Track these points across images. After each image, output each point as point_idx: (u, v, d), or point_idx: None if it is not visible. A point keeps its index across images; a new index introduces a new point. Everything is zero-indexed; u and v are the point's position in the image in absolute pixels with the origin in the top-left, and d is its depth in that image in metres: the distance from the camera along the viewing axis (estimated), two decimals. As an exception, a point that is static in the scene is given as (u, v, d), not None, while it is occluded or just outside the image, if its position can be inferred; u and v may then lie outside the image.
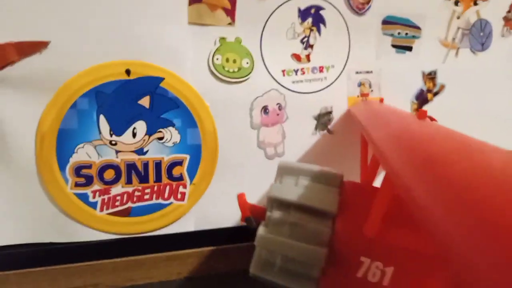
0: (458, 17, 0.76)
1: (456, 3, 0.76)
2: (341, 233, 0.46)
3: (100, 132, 0.63)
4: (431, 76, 0.77)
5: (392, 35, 0.74)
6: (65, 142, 0.62)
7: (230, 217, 0.71)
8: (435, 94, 0.78)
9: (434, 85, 0.78)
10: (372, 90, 0.75)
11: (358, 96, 0.74)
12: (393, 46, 0.75)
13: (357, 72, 0.74)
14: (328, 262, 0.45)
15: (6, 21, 0.58)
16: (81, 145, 0.63)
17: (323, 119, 0.73)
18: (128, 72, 0.63)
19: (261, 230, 0.48)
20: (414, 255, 0.43)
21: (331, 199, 0.47)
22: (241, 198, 0.54)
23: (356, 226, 0.45)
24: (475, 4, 0.77)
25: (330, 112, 0.73)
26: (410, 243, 0.43)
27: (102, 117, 0.63)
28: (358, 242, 0.45)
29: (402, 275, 0.44)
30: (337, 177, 0.49)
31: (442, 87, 0.78)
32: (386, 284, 0.44)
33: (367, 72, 0.74)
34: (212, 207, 0.70)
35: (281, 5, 0.68)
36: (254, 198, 0.72)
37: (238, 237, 0.71)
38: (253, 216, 0.54)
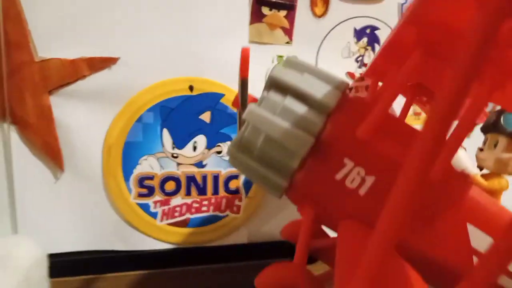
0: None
1: None
2: (333, 128, 0.42)
3: (163, 145, 0.64)
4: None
5: (445, 55, 0.73)
6: (130, 154, 0.63)
7: (283, 231, 0.71)
8: (488, 114, 0.77)
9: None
10: (426, 106, 0.74)
11: (413, 116, 0.73)
12: (447, 66, 0.74)
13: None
14: (309, 155, 0.42)
15: (80, 38, 0.60)
16: (145, 157, 0.64)
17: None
18: (191, 88, 0.64)
19: (252, 106, 0.44)
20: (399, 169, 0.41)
21: (331, 95, 0.43)
22: (245, 52, 0.47)
23: (350, 126, 0.42)
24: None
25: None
26: (399, 156, 0.39)
27: (165, 131, 0.64)
28: (347, 142, 0.42)
29: (381, 187, 0.40)
30: (342, 83, 0.45)
31: (494, 108, 0.77)
32: (362, 194, 0.41)
33: (420, 91, 0.74)
34: (265, 221, 0.70)
35: (337, 25, 0.68)
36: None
37: (289, 251, 0.71)
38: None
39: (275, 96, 0.44)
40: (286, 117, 0.42)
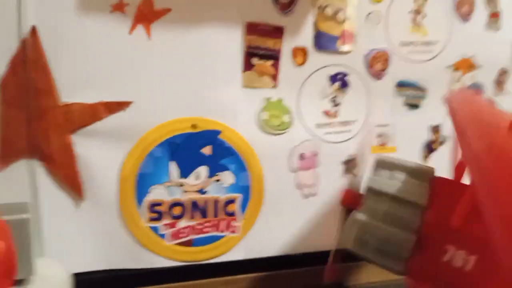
0: (458, 81, 0.81)
1: (455, 70, 0.81)
2: (430, 223, 0.47)
3: (170, 175, 0.67)
4: (436, 129, 0.81)
5: (404, 95, 0.79)
6: (142, 184, 0.65)
7: (274, 247, 0.74)
8: (440, 143, 0.82)
9: (439, 136, 0.82)
10: (388, 141, 0.79)
11: (378, 145, 0.78)
12: (405, 104, 0.79)
13: (376, 126, 0.78)
14: (416, 247, 0.46)
15: (98, 84, 0.62)
16: (155, 186, 0.66)
17: (349, 165, 0.77)
18: (194, 126, 0.67)
19: (359, 216, 0.50)
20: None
21: (421, 193, 0.48)
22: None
23: (443, 217, 0.46)
24: (471, 70, 0.82)
25: (355, 159, 0.77)
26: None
27: (172, 163, 0.67)
28: (444, 232, 0.45)
29: (484, 262, 0.44)
30: (428, 173, 0.50)
31: (445, 138, 0.82)
32: (468, 269, 0.44)
33: (384, 125, 0.78)
34: (259, 239, 0.72)
35: (314, 71, 0.73)
36: (292, 229, 0.74)
37: (281, 265, 0.74)
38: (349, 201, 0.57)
39: (375, 203, 0.50)
40: (388, 220, 0.48)
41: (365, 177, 0.56)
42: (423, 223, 0.47)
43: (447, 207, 0.46)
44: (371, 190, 0.51)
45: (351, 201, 0.57)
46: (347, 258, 0.72)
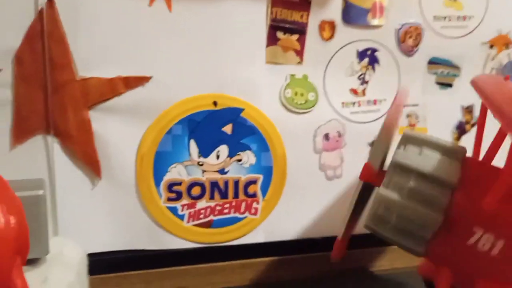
0: (493, 59, 0.76)
1: (491, 47, 0.75)
2: (459, 203, 0.43)
3: (190, 154, 0.64)
4: (469, 110, 0.77)
5: (435, 73, 0.74)
6: (160, 162, 0.63)
7: (295, 230, 0.70)
8: (473, 125, 0.77)
9: (472, 117, 0.77)
10: (418, 121, 0.74)
11: (407, 126, 0.74)
12: (437, 83, 0.74)
13: (405, 105, 0.73)
14: (440, 227, 0.43)
15: (117, 58, 0.59)
16: (174, 165, 0.63)
17: (376, 146, 0.73)
18: (215, 103, 0.63)
19: (381, 189, 0.45)
20: None
21: (453, 171, 0.44)
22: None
23: (474, 199, 0.43)
24: (507, 47, 0.76)
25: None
26: None
27: (192, 142, 0.63)
28: (473, 214, 0.42)
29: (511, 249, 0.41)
30: (460, 152, 0.46)
31: (479, 119, 0.77)
32: (494, 254, 0.42)
33: (414, 105, 0.74)
34: (280, 222, 0.69)
35: (342, 47, 0.68)
36: (315, 213, 0.71)
37: (302, 248, 0.71)
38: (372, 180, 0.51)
39: (400, 178, 0.45)
40: (414, 197, 0.44)
41: (391, 152, 0.50)
42: (451, 203, 0.43)
43: (478, 189, 0.43)
44: (397, 165, 0.46)
45: (371, 176, 0.51)
46: (368, 243, 0.69)
